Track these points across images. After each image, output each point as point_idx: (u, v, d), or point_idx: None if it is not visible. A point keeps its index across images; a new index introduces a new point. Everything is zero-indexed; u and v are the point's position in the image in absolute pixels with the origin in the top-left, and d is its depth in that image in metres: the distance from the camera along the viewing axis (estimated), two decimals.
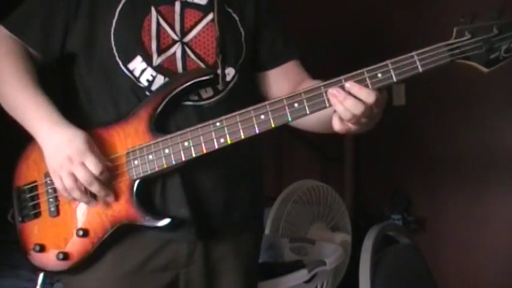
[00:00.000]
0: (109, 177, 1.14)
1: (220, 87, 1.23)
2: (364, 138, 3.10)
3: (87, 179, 1.12)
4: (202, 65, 1.23)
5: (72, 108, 1.25)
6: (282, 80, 1.35)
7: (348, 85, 1.05)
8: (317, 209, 2.69)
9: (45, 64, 1.27)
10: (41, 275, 1.47)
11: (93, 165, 1.12)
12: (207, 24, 1.25)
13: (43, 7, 1.23)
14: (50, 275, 1.53)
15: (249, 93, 1.33)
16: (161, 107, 1.16)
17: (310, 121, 1.18)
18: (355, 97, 1.04)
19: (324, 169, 3.40)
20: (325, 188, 2.72)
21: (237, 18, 1.29)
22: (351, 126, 1.08)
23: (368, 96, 1.04)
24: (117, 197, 1.17)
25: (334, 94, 1.05)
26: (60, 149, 1.14)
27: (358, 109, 1.04)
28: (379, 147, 3.16)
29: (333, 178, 3.28)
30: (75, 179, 1.12)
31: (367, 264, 2.04)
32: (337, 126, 1.09)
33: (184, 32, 1.24)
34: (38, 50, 1.24)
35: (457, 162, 3.00)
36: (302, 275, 2.08)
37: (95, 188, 1.13)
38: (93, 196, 1.16)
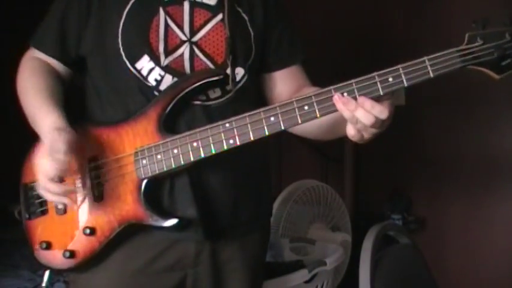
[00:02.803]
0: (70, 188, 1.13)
1: (229, 87, 1.23)
2: None
3: (47, 175, 1.10)
4: (211, 65, 1.23)
5: (84, 112, 1.27)
6: (284, 83, 1.35)
7: (361, 100, 1.03)
8: (317, 209, 2.69)
9: (73, 76, 1.31)
10: (47, 273, 1.46)
11: (50, 166, 1.09)
12: (216, 24, 1.25)
13: (58, 19, 1.27)
14: (56, 273, 1.53)
15: (256, 94, 1.33)
16: (170, 106, 1.16)
17: (311, 127, 1.19)
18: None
19: (324, 169, 3.41)
20: (325, 188, 2.72)
21: (246, 18, 1.29)
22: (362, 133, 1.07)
23: (381, 113, 1.03)
24: (125, 197, 1.17)
25: (344, 102, 1.04)
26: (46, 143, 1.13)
27: (368, 120, 1.03)
28: (379, 147, 3.16)
29: (333, 178, 3.29)
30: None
31: (367, 264, 2.04)
32: (351, 131, 1.08)
33: (193, 32, 1.24)
34: (56, 57, 1.28)
35: (457, 162, 3.01)
36: (302, 275, 2.07)
37: (51, 187, 1.11)
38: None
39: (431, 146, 3.11)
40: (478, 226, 2.95)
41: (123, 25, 1.21)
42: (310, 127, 1.19)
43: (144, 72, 1.20)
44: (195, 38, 1.24)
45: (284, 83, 1.35)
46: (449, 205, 3.04)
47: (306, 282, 2.09)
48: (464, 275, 2.96)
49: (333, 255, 2.26)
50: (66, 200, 1.14)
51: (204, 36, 1.24)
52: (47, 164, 1.09)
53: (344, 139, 1.20)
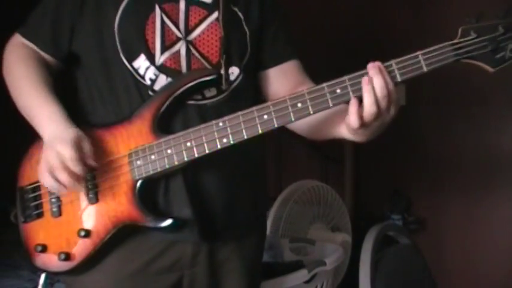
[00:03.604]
0: (83, 172, 1.11)
1: (223, 87, 1.22)
2: None
3: (58, 165, 1.09)
4: (206, 64, 1.23)
5: (72, 108, 1.25)
6: (281, 80, 1.34)
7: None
8: (317, 209, 2.69)
9: (61, 68, 1.30)
10: (43, 275, 1.46)
11: (67, 153, 1.09)
12: (211, 22, 1.25)
13: (51, 11, 1.25)
14: (53, 276, 1.53)
15: (252, 92, 1.32)
16: (164, 107, 1.16)
17: (302, 125, 1.19)
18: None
19: (324, 169, 3.41)
20: (325, 188, 2.72)
21: (242, 17, 1.28)
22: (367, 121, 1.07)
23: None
24: (119, 198, 1.16)
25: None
26: (51, 141, 1.13)
27: (383, 91, 1.06)
28: (379, 147, 3.16)
29: (333, 178, 3.28)
30: (50, 166, 1.10)
31: (367, 264, 2.04)
32: (354, 123, 1.08)
33: (188, 30, 1.23)
34: (48, 52, 1.27)
35: (457, 162, 3.00)
36: (302, 275, 2.07)
37: (61, 176, 1.09)
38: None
39: (431, 146, 3.11)
40: (477, 226, 2.95)
41: (119, 22, 1.20)
42: (300, 125, 1.20)
43: (141, 71, 1.20)
44: (190, 37, 1.23)
45: (281, 79, 1.34)
46: (449, 205, 3.04)
47: (306, 282, 2.09)
48: (464, 275, 2.96)
49: (333, 255, 2.26)
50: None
51: (199, 35, 1.24)
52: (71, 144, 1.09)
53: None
